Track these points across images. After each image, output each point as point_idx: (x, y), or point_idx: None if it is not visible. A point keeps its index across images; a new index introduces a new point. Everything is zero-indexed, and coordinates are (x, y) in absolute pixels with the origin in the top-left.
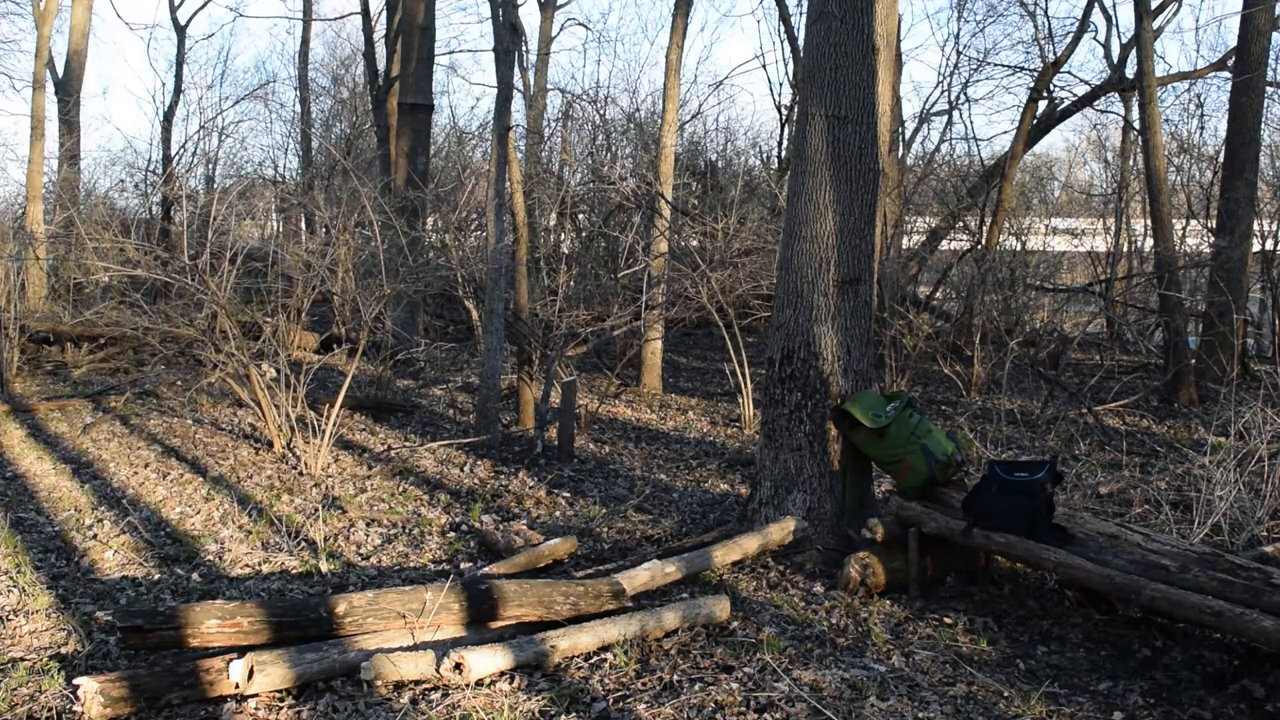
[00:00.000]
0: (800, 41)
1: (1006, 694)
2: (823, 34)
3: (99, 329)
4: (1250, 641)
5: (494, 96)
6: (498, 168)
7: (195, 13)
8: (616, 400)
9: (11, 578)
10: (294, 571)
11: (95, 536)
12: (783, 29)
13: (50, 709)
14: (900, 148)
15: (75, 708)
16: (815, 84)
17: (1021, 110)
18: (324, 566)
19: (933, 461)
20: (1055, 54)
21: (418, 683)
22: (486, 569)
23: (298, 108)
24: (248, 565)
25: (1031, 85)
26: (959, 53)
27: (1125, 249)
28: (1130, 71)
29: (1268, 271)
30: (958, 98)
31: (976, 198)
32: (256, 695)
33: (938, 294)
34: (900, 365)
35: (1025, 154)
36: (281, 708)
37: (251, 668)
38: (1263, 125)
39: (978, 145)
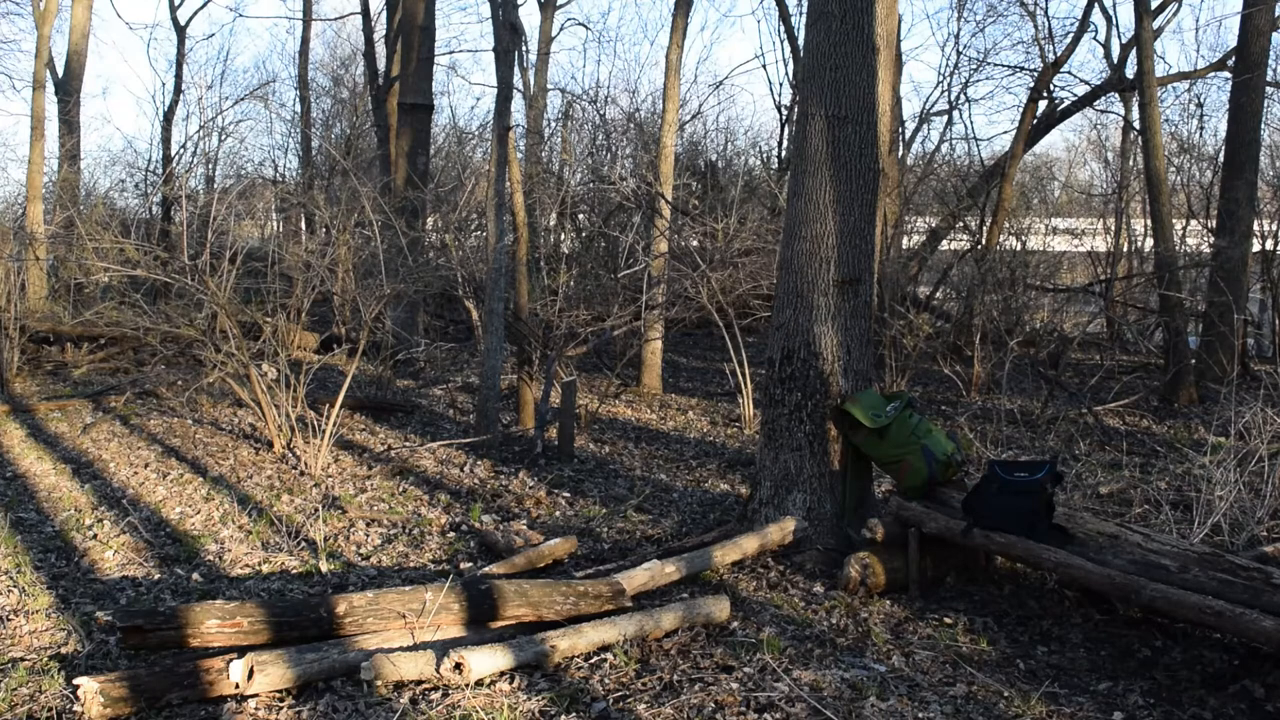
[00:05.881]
0: (800, 41)
1: (1006, 694)
2: (823, 34)
3: (99, 329)
4: (1250, 641)
5: (494, 96)
6: (498, 168)
7: (195, 13)
8: (616, 400)
9: (11, 578)
10: (294, 571)
11: (95, 536)
12: (783, 29)
13: (50, 709)
14: (900, 148)
15: (75, 708)
16: (815, 84)
17: (1021, 110)
18: (324, 566)
19: (933, 461)
20: (1055, 54)
21: (418, 683)
22: (486, 569)
23: (298, 108)
24: (248, 565)
25: (1031, 85)
26: (959, 53)
27: (1125, 249)
28: (1130, 71)
29: (1268, 271)
30: (958, 98)
31: (976, 198)
32: (256, 695)
33: (938, 294)
34: (900, 365)
35: (1025, 154)
36: (281, 708)
37: (251, 668)
38: (1263, 125)
39: (978, 145)
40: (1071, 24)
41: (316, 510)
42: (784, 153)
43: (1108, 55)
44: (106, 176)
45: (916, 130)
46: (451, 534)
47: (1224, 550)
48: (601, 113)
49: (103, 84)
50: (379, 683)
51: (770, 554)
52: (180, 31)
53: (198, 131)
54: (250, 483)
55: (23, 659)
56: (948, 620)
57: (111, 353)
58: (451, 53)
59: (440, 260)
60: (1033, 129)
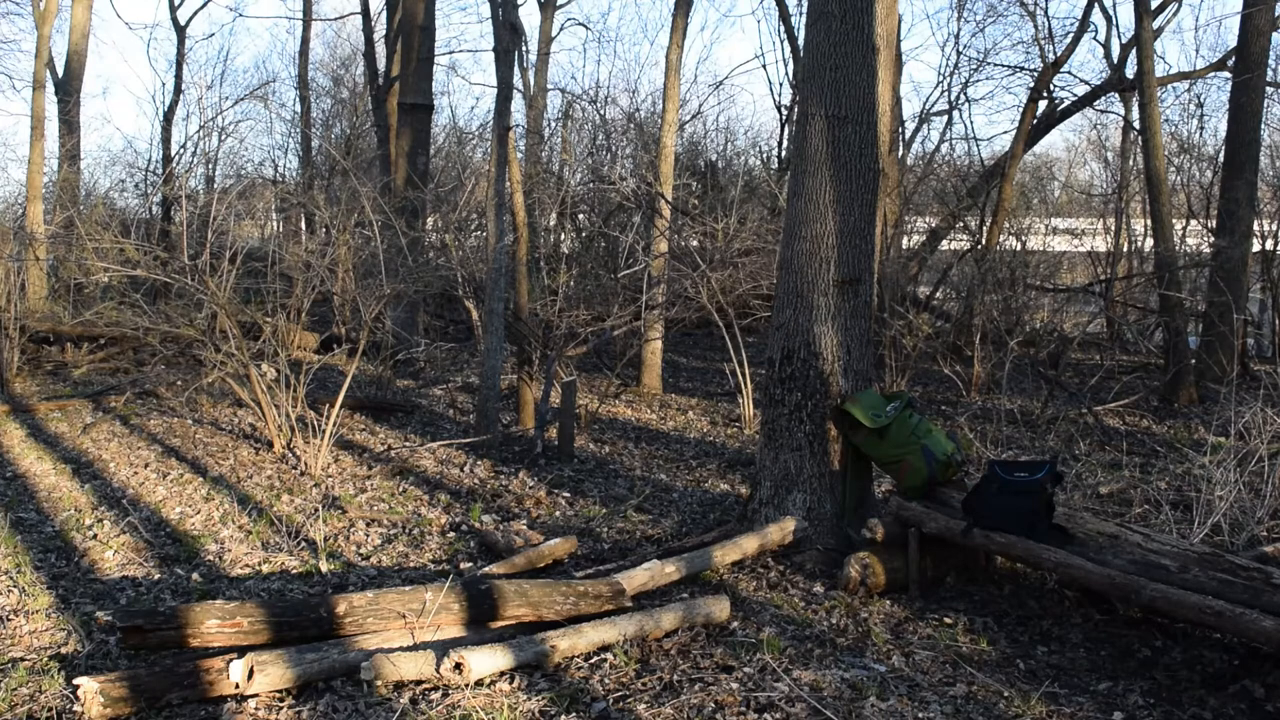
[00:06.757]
0: (800, 41)
1: (1006, 694)
2: (823, 34)
3: (99, 329)
4: (1250, 641)
5: (494, 96)
6: (498, 168)
7: (195, 13)
8: (616, 400)
9: (11, 578)
10: (294, 571)
11: (95, 536)
12: (783, 29)
13: (50, 709)
14: (900, 148)
15: (75, 708)
16: (815, 84)
17: (1021, 110)
18: (324, 566)
19: (933, 461)
20: (1055, 54)
21: (418, 683)
22: (486, 569)
23: (298, 108)
24: (248, 565)
25: (1031, 85)
26: (959, 53)
27: (1125, 249)
28: (1130, 71)
29: (1268, 271)
30: (958, 98)
31: (976, 198)
32: (256, 695)
33: (938, 294)
34: (900, 365)
35: (1025, 154)
36: (281, 708)
37: (251, 668)
38: (1263, 125)
39: (978, 145)
40: (1071, 24)
41: (316, 510)
42: (784, 153)
43: (1108, 55)
44: (106, 176)
45: (916, 130)
46: (451, 534)
47: (1224, 550)
48: (601, 113)
49: (103, 84)
50: (379, 683)
51: (770, 554)
52: (180, 31)
53: (198, 131)
54: (250, 483)
55: (23, 659)
56: (948, 620)
57: (111, 353)
58: (451, 53)
59: (440, 260)
60: (1033, 129)
